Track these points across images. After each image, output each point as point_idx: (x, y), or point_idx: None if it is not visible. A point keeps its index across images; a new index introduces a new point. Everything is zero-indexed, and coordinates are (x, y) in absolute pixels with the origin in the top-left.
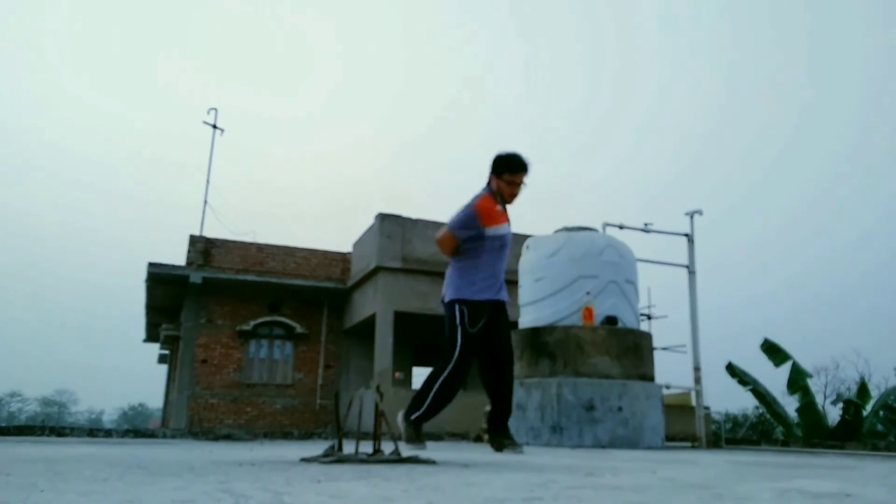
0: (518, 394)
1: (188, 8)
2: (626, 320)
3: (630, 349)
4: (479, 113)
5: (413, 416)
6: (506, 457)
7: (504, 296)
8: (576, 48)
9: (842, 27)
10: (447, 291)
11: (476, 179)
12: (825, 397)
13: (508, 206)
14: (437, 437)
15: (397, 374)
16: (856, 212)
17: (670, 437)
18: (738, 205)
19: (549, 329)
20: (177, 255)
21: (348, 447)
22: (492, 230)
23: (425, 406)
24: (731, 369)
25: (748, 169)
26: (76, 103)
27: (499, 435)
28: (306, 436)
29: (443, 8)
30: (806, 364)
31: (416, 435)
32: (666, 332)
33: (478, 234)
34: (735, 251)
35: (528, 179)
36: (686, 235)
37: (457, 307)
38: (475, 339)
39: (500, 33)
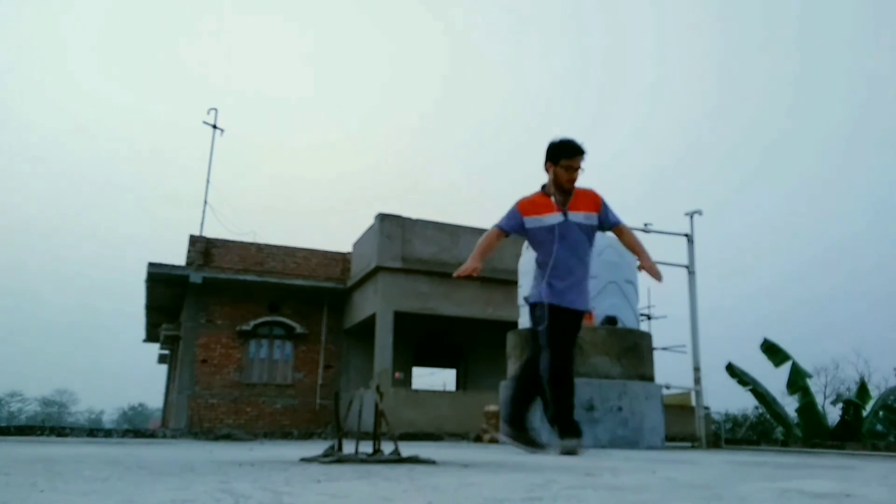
0: None
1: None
2: (626, 320)
3: (630, 349)
4: (469, 112)
5: (557, 427)
6: (505, 456)
7: (562, 298)
8: (565, 46)
9: (836, 19)
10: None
11: (467, 176)
12: (825, 397)
13: (589, 192)
14: (437, 437)
15: (397, 374)
16: (854, 207)
17: (670, 437)
18: (735, 201)
19: None
20: (177, 255)
21: (348, 447)
22: (531, 220)
23: (559, 410)
24: (731, 369)
25: (742, 165)
26: (77, 92)
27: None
28: (306, 436)
29: (434, 4)
30: (806, 364)
31: (572, 434)
32: (666, 332)
33: (520, 226)
34: (733, 247)
35: (584, 164)
36: (686, 235)
37: (537, 310)
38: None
39: (489, 30)
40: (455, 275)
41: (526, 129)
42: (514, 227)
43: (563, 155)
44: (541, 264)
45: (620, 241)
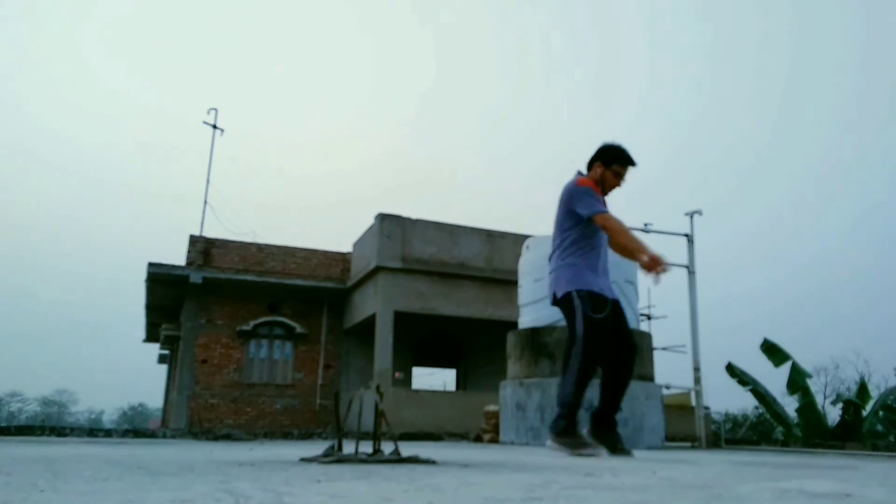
0: (518, 394)
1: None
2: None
3: None
4: (466, 110)
5: (561, 426)
6: (505, 456)
7: (611, 289)
8: (560, 45)
9: (829, 15)
10: (558, 286)
11: (464, 176)
12: (825, 397)
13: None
14: (437, 437)
15: (397, 374)
16: (851, 203)
17: (670, 437)
18: (733, 199)
19: (549, 329)
20: (177, 255)
21: (348, 447)
22: None
23: (566, 404)
24: (731, 369)
25: (739, 162)
26: (80, 88)
27: (606, 433)
28: (306, 436)
29: (429, 5)
30: (805, 364)
31: (577, 439)
32: (666, 332)
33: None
34: (732, 246)
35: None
36: (686, 235)
37: (575, 297)
38: (601, 326)
39: (484, 30)
40: (662, 267)
41: (522, 128)
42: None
43: (618, 161)
44: (588, 254)
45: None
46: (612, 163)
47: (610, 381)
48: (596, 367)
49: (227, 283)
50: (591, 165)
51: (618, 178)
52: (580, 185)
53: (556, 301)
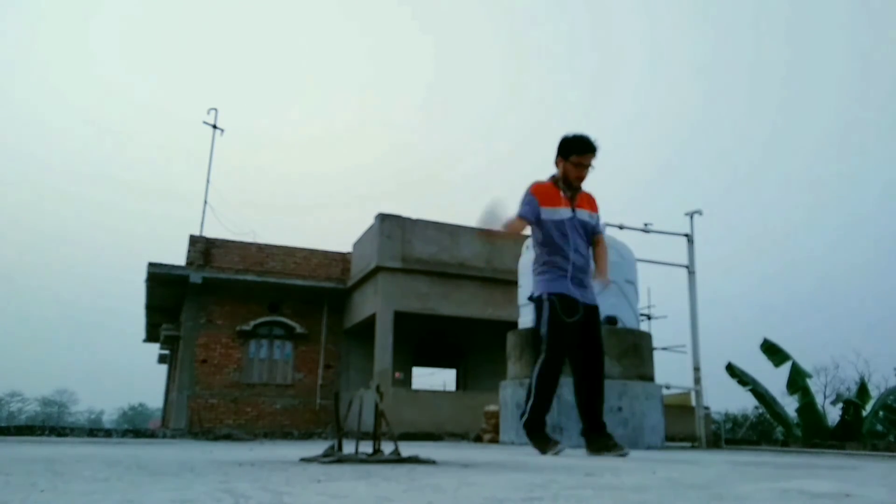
0: (518, 394)
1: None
2: (626, 320)
3: (630, 349)
4: (465, 109)
5: (525, 423)
6: (505, 457)
7: (585, 295)
8: (560, 44)
9: (827, 16)
10: (535, 287)
11: (466, 172)
12: (825, 397)
13: (589, 194)
14: (437, 437)
15: (397, 374)
16: (851, 202)
17: (670, 437)
18: (733, 199)
19: None
20: (177, 255)
21: (348, 447)
22: (546, 210)
23: (529, 405)
24: (731, 369)
25: (739, 162)
26: (80, 87)
27: (594, 436)
28: (306, 436)
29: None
30: (805, 364)
31: (540, 440)
32: (666, 332)
33: (537, 215)
34: (731, 245)
35: (595, 162)
36: (686, 236)
37: (545, 301)
38: (566, 329)
39: (484, 29)
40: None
41: (522, 128)
42: (534, 215)
43: (575, 151)
44: (551, 259)
45: (593, 248)
46: (569, 154)
47: (578, 387)
48: (556, 367)
49: (227, 283)
50: (556, 163)
51: (580, 168)
52: (528, 191)
53: (531, 298)
